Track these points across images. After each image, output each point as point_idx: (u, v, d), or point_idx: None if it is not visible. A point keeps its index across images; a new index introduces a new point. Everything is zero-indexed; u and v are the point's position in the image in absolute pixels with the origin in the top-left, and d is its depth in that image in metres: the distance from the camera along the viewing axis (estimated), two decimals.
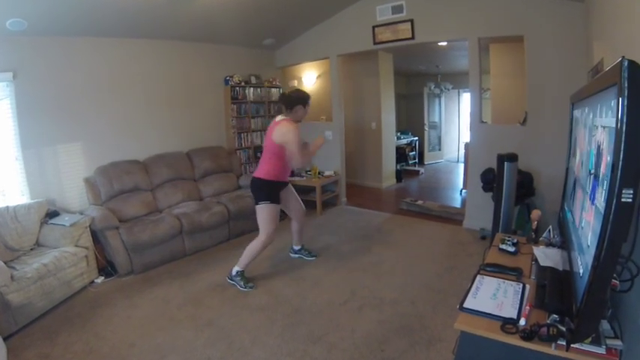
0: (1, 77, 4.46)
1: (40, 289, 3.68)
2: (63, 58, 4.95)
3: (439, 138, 12.85)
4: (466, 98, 11.93)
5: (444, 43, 6.96)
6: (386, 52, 8.50)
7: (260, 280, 4.39)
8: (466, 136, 9.33)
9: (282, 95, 4.43)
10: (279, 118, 4.23)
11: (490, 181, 4.95)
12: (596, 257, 1.30)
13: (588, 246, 1.53)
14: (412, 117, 13.00)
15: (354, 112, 9.01)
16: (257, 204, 4.25)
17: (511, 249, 2.57)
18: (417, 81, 12.65)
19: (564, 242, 2.28)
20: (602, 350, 1.51)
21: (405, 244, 5.35)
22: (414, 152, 11.81)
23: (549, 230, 2.70)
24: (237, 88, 7.10)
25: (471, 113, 5.79)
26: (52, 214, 4.56)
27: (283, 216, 4.67)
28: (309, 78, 8.87)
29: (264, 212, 4.22)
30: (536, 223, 2.83)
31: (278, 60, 8.03)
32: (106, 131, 5.42)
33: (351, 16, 6.62)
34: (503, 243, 2.64)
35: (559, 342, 1.57)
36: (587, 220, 1.64)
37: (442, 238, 5.53)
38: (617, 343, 1.54)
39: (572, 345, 1.52)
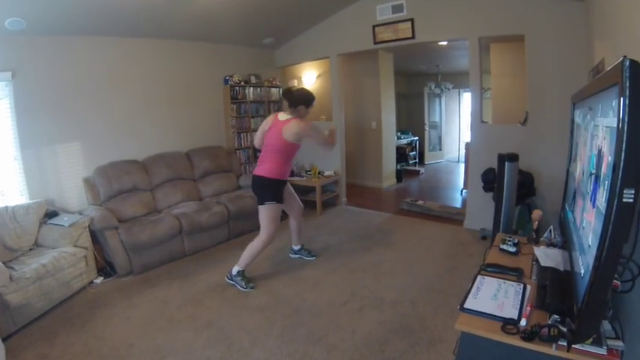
0: (0, 77, 4.44)
1: (38, 289, 3.66)
2: (62, 58, 4.94)
3: (439, 138, 12.84)
4: (467, 98, 11.95)
5: (445, 43, 6.96)
6: (386, 52, 8.49)
7: (260, 280, 4.38)
8: (467, 136, 9.33)
9: (288, 91, 4.32)
10: (284, 116, 4.20)
11: (491, 181, 4.94)
12: (597, 257, 1.29)
13: (589, 246, 1.52)
14: (412, 117, 12.99)
15: (354, 111, 8.99)
16: (262, 203, 4.21)
17: (512, 249, 2.56)
18: (418, 80, 12.64)
19: (565, 242, 2.27)
20: (603, 351, 1.51)
21: (406, 245, 5.34)
22: (414, 152, 11.81)
23: (550, 230, 2.69)
24: (237, 88, 7.08)
25: (471, 113, 5.78)
26: (50, 215, 4.55)
27: (284, 216, 4.65)
28: (309, 77, 8.86)
29: (268, 212, 4.20)
30: (537, 223, 2.82)
31: (278, 59, 8.02)
32: (105, 131, 5.42)
33: (351, 16, 6.61)
34: (503, 243, 2.63)
35: (560, 343, 1.57)
36: (588, 221, 1.63)
37: (442, 239, 5.52)
38: (619, 343, 1.53)
39: (573, 346, 1.51)
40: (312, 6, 6.36)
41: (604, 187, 1.39)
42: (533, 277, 2.18)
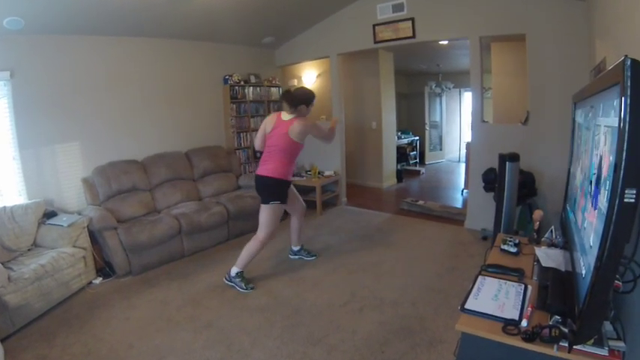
0: None
1: (37, 290, 3.65)
2: (60, 57, 4.93)
3: (440, 137, 12.83)
4: (467, 97, 11.97)
5: (445, 42, 6.96)
6: (386, 51, 8.49)
7: (259, 280, 4.36)
8: (467, 136, 9.32)
9: (287, 92, 4.28)
10: (287, 116, 4.17)
11: (492, 181, 4.93)
12: (599, 258, 1.29)
13: (591, 247, 1.51)
14: (413, 116, 12.99)
15: (354, 111, 8.98)
16: (266, 203, 4.18)
17: (513, 249, 2.55)
18: (418, 80, 12.62)
19: (566, 243, 2.27)
20: (604, 352, 1.50)
21: (406, 245, 5.32)
22: (414, 152, 11.80)
23: (551, 231, 2.69)
24: (237, 87, 7.07)
25: (472, 112, 5.77)
26: (49, 215, 4.54)
27: (284, 216, 4.64)
28: (309, 77, 8.85)
29: (271, 212, 4.19)
30: (538, 223, 2.81)
31: (278, 59, 8.01)
32: (104, 131, 5.40)
33: (351, 15, 6.60)
34: (504, 243, 2.62)
35: (561, 343, 1.56)
36: (590, 221, 1.63)
37: (443, 239, 5.50)
38: (620, 344, 1.53)
39: (574, 346, 1.51)
40: (312, 5, 6.35)
41: (605, 187, 1.39)
42: (535, 278, 2.17)
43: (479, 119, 5.67)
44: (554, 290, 1.85)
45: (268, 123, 4.28)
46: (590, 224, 1.60)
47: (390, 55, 8.84)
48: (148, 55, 5.87)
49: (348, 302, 3.86)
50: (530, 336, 1.61)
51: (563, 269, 2.08)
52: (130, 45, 5.62)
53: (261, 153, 4.40)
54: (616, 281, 1.52)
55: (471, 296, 1.98)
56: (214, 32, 6.31)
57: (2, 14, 4.05)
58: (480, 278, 2.18)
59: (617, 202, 1.20)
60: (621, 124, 1.18)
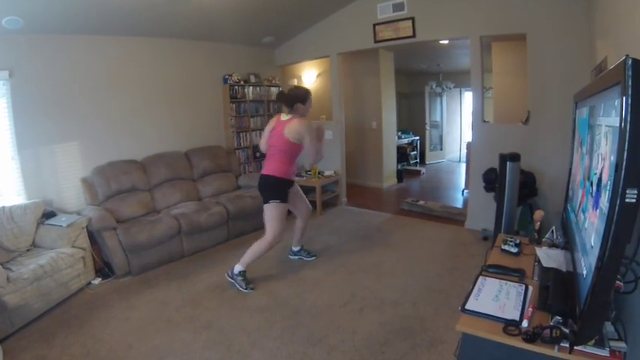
0: None
1: (36, 290, 3.65)
2: (60, 57, 4.93)
3: (441, 137, 12.82)
4: (468, 97, 11.97)
5: (446, 42, 6.96)
6: (387, 51, 8.47)
7: (259, 281, 4.35)
8: (468, 136, 9.31)
9: (281, 94, 4.38)
10: (285, 117, 4.19)
11: (492, 181, 4.92)
12: (600, 258, 1.28)
13: (592, 247, 1.51)
14: (413, 116, 12.99)
15: (354, 111, 8.98)
16: (267, 202, 4.19)
17: (513, 250, 2.54)
18: (419, 80, 12.61)
19: (567, 243, 2.27)
20: (605, 352, 1.50)
21: (406, 245, 5.31)
22: (415, 152, 11.80)
23: (552, 231, 2.68)
24: (236, 87, 7.06)
25: (473, 112, 5.76)
26: (48, 215, 4.53)
27: (290, 217, 4.63)
28: (309, 77, 8.85)
29: (272, 211, 4.18)
30: (539, 223, 2.81)
31: (277, 58, 8.00)
32: (103, 130, 5.40)
33: (351, 14, 6.59)
34: (505, 244, 2.61)
35: (562, 344, 1.55)
36: (591, 221, 1.62)
37: (444, 239, 5.49)
38: (621, 345, 1.52)
39: (575, 347, 1.50)
40: (312, 4, 6.35)
41: (606, 187, 1.38)
42: (535, 278, 2.16)
43: (479, 119, 5.66)
44: (555, 291, 1.84)
45: (270, 124, 4.32)
46: (592, 224, 1.59)
47: (391, 54, 8.83)
48: (147, 54, 5.87)
49: (348, 302, 3.85)
50: (531, 336, 1.60)
51: (564, 269, 2.07)
52: (130, 45, 5.62)
53: (263, 154, 4.41)
54: (617, 282, 1.52)
55: (471, 297, 1.97)
56: (214, 32, 6.30)
57: (1, 14, 4.05)
58: (480, 279, 2.17)
59: (618, 202, 1.19)
60: (622, 124, 1.17)
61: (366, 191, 8.65)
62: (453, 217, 6.38)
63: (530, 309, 1.82)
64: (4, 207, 4.27)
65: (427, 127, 12.24)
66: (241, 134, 7.28)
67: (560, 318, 1.67)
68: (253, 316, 3.68)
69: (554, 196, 4.76)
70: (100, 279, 4.56)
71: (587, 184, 1.81)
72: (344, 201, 7.49)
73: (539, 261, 2.29)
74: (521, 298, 1.93)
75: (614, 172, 1.24)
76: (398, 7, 5.94)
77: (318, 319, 3.58)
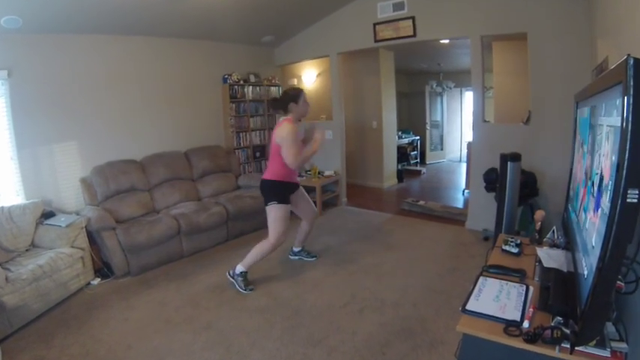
0: None
1: (35, 290, 3.64)
2: (59, 56, 4.92)
3: (441, 137, 12.82)
4: (469, 97, 11.96)
5: (446, 41, 6.95)
6: (387, 50, 8.47)
7: (259, 281, 4.34)
8: (468, 136, 9.31)
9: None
10: (281, 118, 4.20)
11: (493, 181, 4.91)
12: (601, 259, 1.28)
13: (593, 247, 1.51)
14: (414, 116, 12.99)
15: (354, 110, 8.97)
16: (266, 204, 4.22)
17: (514, 250, 2.54)
18: (419, 79, 12.61)
19: (568, 243, 2.26)
20: (607, 353, 1.50)
21: (407, 245, 5.30)
22: (415, 152, 11.80)
23: (553, 231, 2.67)
24: (236, 87, 7.06)
25: (473, 112, 5.75)
26: (47, 215, 4.53)
27: (293, 217, 4.62)
28: (309, 76, 8.85)
29: (272, 213, 4.19)
30: (539, 223, 2.81)
31: (277, 58, 7.99)
32: (102, 130, 5.39)
33: (351, 14, 6.58)
34: (506, 244, 2.61)
35: (563, 345, 1.55)
36: (592, 221, 1.62)
37: (444, 239, 5.48)
38: (623, 345, 1.52)
39: (576, 348, 1.50)
40: (312, 4, 6.34)
41: (608, 187, 1.38)
42: (536, 279, 2.16)
43: (480, 119, 5.65)
44: (556, 291, 1.84)
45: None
46: (593, 224, 1.59)
47: (391, 54, 8.83)
48: (146, 54, 5.86)
49: (349, 303, 3.84)
50: (531, 337, 1.60)
51: (565, 270, 2.07)
52: (129, 44, 5.61)
53: (264, 155, 4.43)
54: (618, 282, 1.53)
55: (472, 297, 1.97)
56: (214, 31, 6.30)
57: (0, 13, 4.04)
58: (481, 279, 2.16)
59: (619, 202, 1.19)
60: (624, 124, 1.18)
61: (366, 191, 8.64)
62: (454, 218, 6.37)
63: (531, 309, 1.82)
64: (2, 207, 4.26)
65: (427, 126, 12.24)
66: (241, 134, 7.27)
67: (561, 318, 1.67)
68: (253, 316, 3.67)
69: (555, 196, 4.75)
70: (99, 279, 4.54)
71: (589, 184, 1.81)
72: (344, 201, 7.48)
73: (540, 261, 2.29)
74: (522, 298, 1.93)
75: (615, 172, 1.23)
76: (398, 6, 5.93)
77: (318, 320, 3.56)
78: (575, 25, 4.54)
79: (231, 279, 4.26)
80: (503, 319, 1.76)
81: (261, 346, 3.22)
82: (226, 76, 6.92)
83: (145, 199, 5.41)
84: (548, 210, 4.31)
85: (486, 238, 5.29)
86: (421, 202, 6.99)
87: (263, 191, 4.28)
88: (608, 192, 1.35)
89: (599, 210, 1.49)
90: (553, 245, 2.53)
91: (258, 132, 7.49)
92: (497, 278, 2.16)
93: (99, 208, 4.85)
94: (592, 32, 4.18)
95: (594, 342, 1.50)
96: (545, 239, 2.68)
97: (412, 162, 11.47)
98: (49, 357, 3.17)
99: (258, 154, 7.45)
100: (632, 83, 1.14)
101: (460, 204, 7.50)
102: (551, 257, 2.27)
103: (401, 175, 9.67)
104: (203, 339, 3.35)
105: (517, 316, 1.77)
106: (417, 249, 5.15)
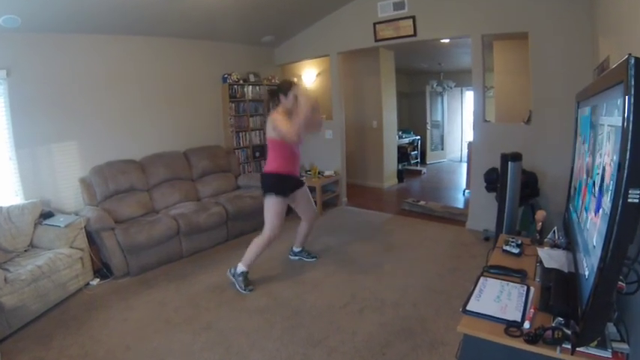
0: None
1: (34, 291, 3.63)
2: (58, 56, 4.91)
3: (442, 137, 12.81)
4: (469, 96, 11.96)
5: (447, 41, 6.94)
6: (387, 50, 8.46)
7: (259, 282, 4.33)
8: (469, 135, 9.30)
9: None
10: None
11: (494, 181, 4.90)
12: (602, 259, 1.28)
13: (594, 247, 1.50)
14: (414, 116, 12.98)
15: (354, 110, 8.96)
16: (263, 196, 4.27)
17: (515, 250, 2.54)
18: (419, 79, 12.60)
19: (569, 243, 2.26)
20: (608, 354, 1.50)
21: (407, 246, 5.29)
22: (416, 152, 11.78)
23: (554, 231, 2.67)
24: (236, 86, 7.05)
25: (474, 112, 5.73)
26: (46, 215, 4.52)
27: (295, 218, 4.62)
28: (309, 76, 8.84)
29: (267, 204, 4.22)
30: (540, 224, 2.81)
31: (277, 57, 7.98)
32: (101, 130, 5.38)
33: (351, 13, 6.57)
34: (507, 244, 2.61)
35: (564, 345, 1.55)
36: (593, 221, 1.62)
37: (444, 239, 5.47)
38: (624, 346, 1.53)
39: (577, 348, 1.50)
40: (312, 3, 6.34)
41: (609, 187, 1.38)
42: (537, 279, 2.16)
43: (481, 118, 5.64)
44: (557, 291, 1.84)
45: None
46: (594, 225, 1.59)
47: (391, 53, 8.82)
48: (146, 53, 5.86)
49: (349, 303, 3.83)
50: (532, 338, 1.60)
51: (566, 270, 2.07)
52: (128, 43, 5.60)
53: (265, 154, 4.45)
54: (619, 282, 1.52)
55: (472, 297, 1.97)
56: (213, 31, 6.29)
57: None
58: (481, 279, 2.17)
59: (620, 202, 1.19)
60: (625, 124, 1.18)
61: (366, 191, 8.63)
62: (454, 218, 6.35)
63: (532, 310, 1.82)
64: (1, 207, 4.25)
65: (428, 126, 12.24)
66: (240, 134, 7.26)
67: (562, 319, 1.67)
68: (253, 317, 3.66)
69: (556, 196, 4.74)
70: (98, 280, 4.53)
71: (590, 184, 1.81)
72: (344, 201, 7.47)
73: (540, 262, 2.29)
74: (523, 299, 1.93)
75: (616, 172, 1.23)
76: (398, 5, 5.92)
77: (318, 320, 3.55)
78: (576, 25, 4.53)
79: (232, 278, 4.25)
80: (504, 319, 1.76)
81: (260, 346, 3.21)
82: (226, 76, 6.91)
83: (144, 199, 5.40)
84: (549, 210, 4.28)
85: (487, 239, 5.28)
86: (421, 202, 6.98)
87: (262, 185, 4.30)
88: (610, 192, 1.34)
89: (600, 210, 1.49)
90: (554, 245, 2.53)
91: (257, 132, 7.47)
92: (498, 279, 2.16)
93: (98, 209, 4.84)
94: (593, 31, 4.18)
95: (595, 343, 1.50)
96: (546, 239, 2.68)
97: (412, 162, 11.46)
98: (48, 358, 3.17)
99: (257, 154, 7.44)
100: (632, 83, 1.14)
101: (461, 204, 7.49)
102: (552, 257, 2.27)
103: (401, 175, 9.66)
104: (203, 339, 3.34)
105: (518, 317, 1.77)
106: (417, 249, 5.14)
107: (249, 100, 7.28)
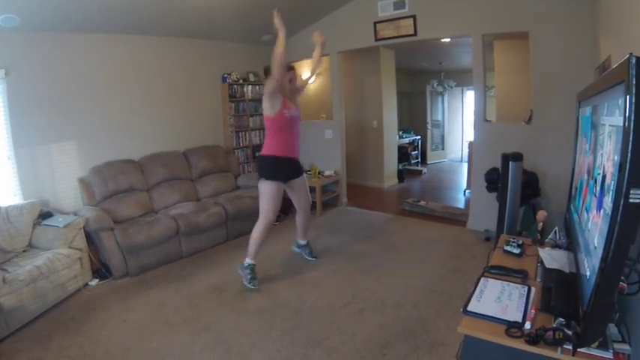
0: None
1: (32, 291, 3.62)
2: (57, 55, 4.90)
3: (442, 137, 12.80)
4: (470, 96, 11.95)
5: (447, 40, 6.92)
6: (387, 49, 8.44)
7: (259, 282, 4.30)
8: (470, 135, 9.30)
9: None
10: None
11: (494, 181, 4.88)
12: (603, 259, 1.28)
13: (595, 248, 1.50)
14: (414, 115, 12.97)
15: (354, 110, 8.95)
16: (258, 181, 4.31)
17: (516, 251, 2.53)
18: (420, 78, 12.59)
19: (570, 244, 2.25)
20: (609, 355, 1.49)
21: (407, 246, 5.28)
22: (416, 151, 11.77)
23: (555, 231, 2.66)
24: (235, 86, 7.04)
25: (474, 111, 5.72)
26: (45, 215, 4.50)
27: (292, 215, 4.62)
28: (312, 78, 8.80)
29: (261, 189, 4.26)
30: (541, 224, 2.80)
31: None
32: (100, 130, 5.37)
33: (351, 12, 6.56)
34: (507, 244, 2.60)
35: (565, 346, 1.55)
36: (594, 222, 1.61)
37: (445, 240, 5.46)
38: (625, 347, 1.53)
39: (578, 349, 1.50)
40: (313, 3, 6.33)
41: (610, 187, 1.38)
42: (538, 280, 2.15)
43: (481, 118, 5.62)
44: (558, 292, 1.83)
45: None
46: (595, 225, 1.59)
47: (392, 53, 8.81)
48: (145, 53, 5.85)
49: (349, 304, 3.82)
50: (533, 339, 1.60)
51: (567, 271, 2.06)
52: (128, 43, 5.59)
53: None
54: (621, 283, 1.52)
55: (473, 298, 1.97)
56: (213, 30, 6.28)
57: None
58: (482, 280, 2.16)
59: (621, 202, 1.19)
60: (626, 123, 1.17)
61: (366, 191, 8.61)
62: (455, 218, 6.34)
63: (533, 311, 1.81)
64: (0, 207, 4.24)
65: (428, 126, 12.23)
66: (240, 134, 7.25)
67: (563, 320, 1.67)
68: (252, 317, 3.65)
69: (557, 196, 4.73)
70: (97, 280, 4.52)
71: (591, 184, 1.80)
72: (344, 201, 7.46)
73: (541, 262, 2.28)
74: (524, 299, 1.93)
75: (617, 172, 1.22)
76: (399, 5, 5.91)
77: (319, 321, 3.54)
78: (577, 24, 4.53)
79: (239, 272, 4.28)
80: (505, 320, 1.75)
81: (260, 347, 3.20)
82: (225, 76, 6.90)
83: (143, 199, 5.39)
84: (550, 210, 4.28)
85: (488, 239, 5.27)
86: (422, 203, 6.97)
87: (257, 168, 4.35)
88: (611, 192, 1.34)
89: (602, 210, 1.48)
90: (555, 246, 2.52)
91: (257, 131, 7.46)
92: (498, 279, 2.15)
93: (97, 209, 4.82)
94: (594, 30, 4.17)
95: (597, 343, 1.50)
96: (547, 240, 2.67)
97: (413, 162, 11.45)
98: (47, 358, 3.16)
99: (257, 154, 7.41)
100: (634, 82, 1.14)
101: (461, 204, 7.48)
102: (553, 258, 2.26)
103: (402, 175, 9.64)
104: (202, 340, 3.33)
105: (519, 318, 1.76)
106: (417, 249, 5.13)
107: (249, 100, 7.27)
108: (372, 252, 5.08)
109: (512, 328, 1.69)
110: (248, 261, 4.24)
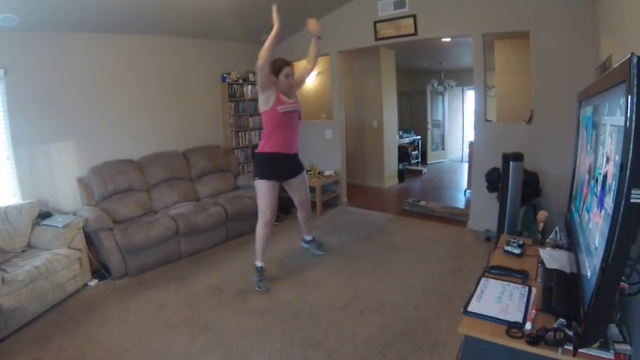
0: None
1: (31, 292, 3.61)
2: (55, 55, 4.90)
3: (442, 137, 12.78)
4: (470, 96, 11.94)
5: (448, 40, 6.91)
6: (388, 49, 8.43)
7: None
8: (470, 135, 9.29)
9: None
10: None
11: (495, 181, 4.88)
12: (604, 259, 1.27)
13: (596, 248, 1.50)
14: (415, 115, 12.96)
15: (355, 110, 8.95)
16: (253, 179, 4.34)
17: (516, 251, 2.52)
18: (420, 78, 12.58)
19: (571, 244, 2.25)
20: (610, 355, 1.48)
21: (408, 246, 5.28)
22: (416, 151, 11.77)
23: (556, 232, 2.66)
24: (235, 86, 7.04)
25: (475, 111, 5.71)
26: (44, 215, 4.49)
27: (292, 215, 4.62)
28: (309, 75, 8.79)
29: (256, 187, 4.27)
30: (542, 224, 2.80)
31: (277, 56, 7.91)
32: (99, 130, 5.37)
33: (352, 12, 6.55)
34: (508, 245, 2.59)
35: (566, 347, 1.54)
36: (595, 222, 1.61)
37: (445, 240, 5.45)
38: (626, 347, 1.52)
39: (579, 350, 1.49)
40: (313, 2, 6.33)
41: (611, 187, 1.38)
42: (539, 280, 2.14)
43: (482, 118, 5.61)
44: (559, 292, 1.82)
45: None
46: (596, 225, 1.59)
47: (392, 52, 8.80)
48: (144, 52, 5.84)
49: (349, 304, 3.81)
50: (534, 339, 1.59)
51: (567, 271, 2.05)
52: (127, 42, 5.59)
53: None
54: (622, 283, 1.51)
55: (474, 298, 1.96)
56: (212, 29, 6.28)
57: None
58: (483, 280, 2.15)
59: (623, 202, 1.18)
60: (627, 123, 1.17)
61: (366, 191, 8.61)
62: (455, 218, 6.33)
63: (534, 311, 1.81)
64: None
65: (429, 126, 12.22)
66: (240, 133, 7.25)
67: (563, 320, 1.67)
68: (252, 318, 3.65)
69: (557, 196, 4.72)
70: (96, 280, 4.52)
71: (592, 184, 1.80)
72: (344, 201, 7.45)
73: (542, 262, 2.27)
74: (525, 299, 1.92)
75: (619, 172, 1.23)
76: (399, 4, 5.90)
77: (319, 322, 3.54)
78: (578, 23, 4.52)
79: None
80: (506, 320, 1.75)
81: (260, 348, 3.20)
82: (225, 75, 6.90)
83: (142, 199, 5.39)
84: (550, 210, 4.28)
85: (488, 239, 5.26)
86: (422, 203, 6.96)
87: (253, 166, 4.32)
88: (612, 192, 1.33)
89: (603, 210, 1.48)
90: (556, 246, 2.52)
91: (257, 131, 7.45)
92: (499, 279, 2.15)
93: (96, 209, 4.81)
94: (595, 30, 4.16)
95: (597, 344, 1.49)
96: (547, 240, 2.66)
97: (413, 162, 11.44)
98: (46, 359, 3.15)
99: (255, 152, 7.41)
100: (635, 82, 1.14)
101: (462, 204, 7.47)
102: (553, 258, 2.25)
103: (402, 175, 9.64)
104: (202, 341, 3.32)
105: (519, 318, 1.76)
106: (418, 250, 5.12)
107: (249, 100, 7.27)
108: (373, 252, 5.07)
109: (512, 328, 1.68)
110: (256, 263, 4.26)
